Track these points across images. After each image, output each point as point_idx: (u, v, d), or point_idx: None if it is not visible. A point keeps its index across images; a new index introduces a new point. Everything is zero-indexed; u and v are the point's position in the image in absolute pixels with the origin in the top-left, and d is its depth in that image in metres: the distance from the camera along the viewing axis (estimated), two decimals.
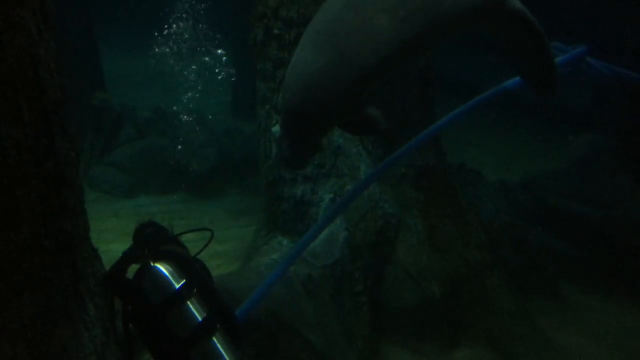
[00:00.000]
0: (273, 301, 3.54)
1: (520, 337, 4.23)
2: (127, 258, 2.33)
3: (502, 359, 4.12)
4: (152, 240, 2.36)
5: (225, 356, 2.15)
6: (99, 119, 8.21)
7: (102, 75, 9.09)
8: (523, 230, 5.60)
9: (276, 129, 3.46)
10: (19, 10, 1.84)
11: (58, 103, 2.04)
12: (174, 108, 9.00)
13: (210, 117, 9.62)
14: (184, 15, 8.26)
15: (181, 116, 8.83)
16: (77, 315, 2.06)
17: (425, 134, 3.11)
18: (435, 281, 4.30)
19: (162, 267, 2.22)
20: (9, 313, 1.81)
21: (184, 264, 2.27)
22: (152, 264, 2.22)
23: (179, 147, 7.75)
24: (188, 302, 2.17)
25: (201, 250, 2.48)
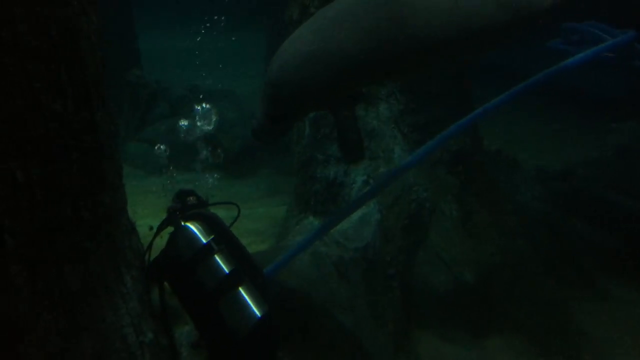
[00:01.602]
0: (304, 281, 3.52)
1: (555, 328, 4.16)
2: (164, 223, 2.45)
3: (536, 350, 4.03)
4: (186, 206, 2.49)
5: (252, 306, 2.21)
6: (134, 95, 8.30)
7: (138, 52, 9.12)
8: (560, 219, 5.47)
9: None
10: None
11: (98, 77, 2.05)
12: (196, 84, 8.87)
13: (240, 95, 9.58)
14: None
15: (211, 95, 8.82)
16: (115, 287, 2.10)
17: (474, 115, 3.05)
18: (468, 268, 4.23)
19: (192, 226, 2.34)
20: (50, 283, 1.85)
21: (213, 222, 2.38)
22: (183, 223, 2.35)
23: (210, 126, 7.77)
24: (216, 256, 2.26)
25: (230, 225, 2.54)
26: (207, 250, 2.28)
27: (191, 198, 2.57)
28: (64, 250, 1.88)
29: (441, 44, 2.52)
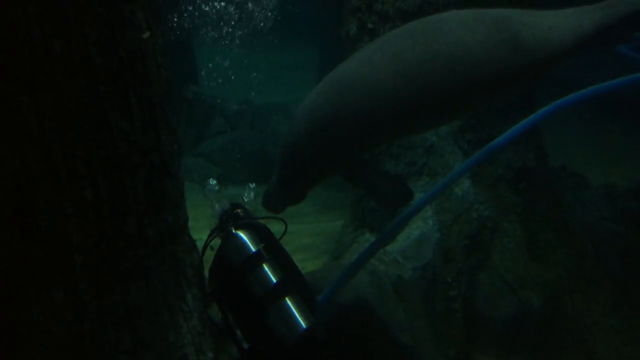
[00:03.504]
0: (363, 301, 3.45)
1: (629, 358, 3.97)
2: (214, 231, 2.49)
3: None
4: (236, 216, 2.54)
5: (298, 318, 2.20)
6: (191, 111, 8.56)
7: (195, 68, 9.41)
8: (632, 241, 5.14)
9: None
10: (131, 6, 1.91)
11: (164, 96, 2.12)
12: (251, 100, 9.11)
13: (294, 109, 9.77)
14: (270, 14, 8.44)
15: (263, 109, 8.95)
16: (177, 305, 2.10)
17: (522, 125, 2.91)
18: (534, 291, 4.08)
19: (242, 234, 2.35)
20: (115, 300, 1.88)
21: (262, 232, 2.40)
22: (233, 231, 2.36)
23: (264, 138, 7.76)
24: (264, 265, 2.26)
25: (279, 239, 2.54)
26: (256, 258, 2.30)
27: (239, 210, 2.61)
28: (129, 267, 1.91)
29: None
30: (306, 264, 4.52)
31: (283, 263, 2.35)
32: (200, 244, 2.52)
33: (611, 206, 5.53)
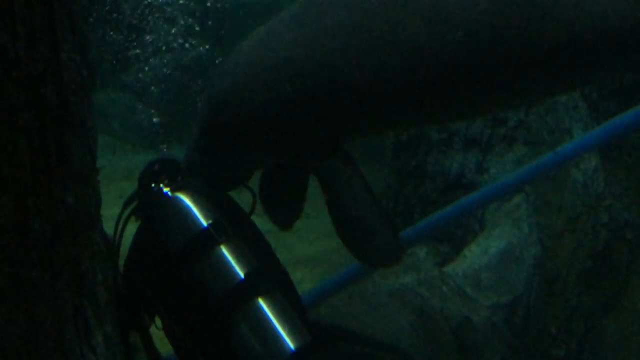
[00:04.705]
0: (403, 357, 3.32)
1: None
2: (132, 198, 2.42)
3: None
4: (171, 174, 2.46)
5: (277, 326, 2.12)
6: (113, 4, 7.93)
7: None
8: None
9: None
10: None
11: None
12: None
13: None
14: None
15: None
16: (75, 355, 1.95)
17: None
18: None
19: (184, 197, 2.30)
20: None
21: (217, 197, 2.37)
22: (170, 194, 2.31)
23: None
24: (223, 248, 2.20)
25: (250, 215, 2.49)
26: (210, 237, 2.23)
27: (174, 167, 2.56)
28: None
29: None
30: (314, 283, 4.16)
31: (253, 246, 2.31)
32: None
33: None
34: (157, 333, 2.40)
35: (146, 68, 6.75)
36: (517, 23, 2.20)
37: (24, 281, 1.74)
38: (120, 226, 2.35)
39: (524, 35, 2.22)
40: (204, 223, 2.21)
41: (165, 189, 2.34)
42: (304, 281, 4.38)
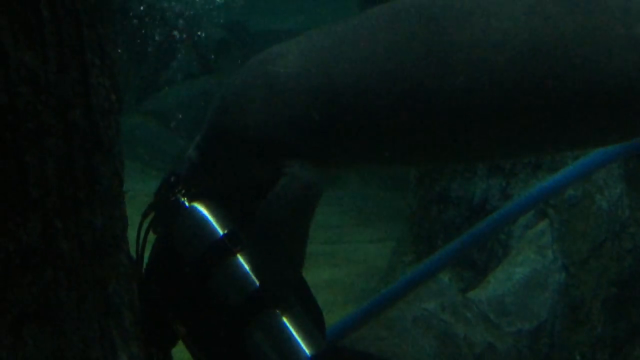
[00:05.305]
0: None
1: None
2: (150, 208, 2.44)
3: None
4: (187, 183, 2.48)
5: (293, 332, 2.15)
6: (139, 37, 7.32)
7: None
8: None
9: None
10: None
11: (97, 9, 1.94)
12: None
13: None
14: None
15: None
16: None
17: None
18: None
19: (200, 208, 2.32)
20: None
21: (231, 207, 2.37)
22: (187, 203, 2.33)
23: None
24: (240, 257, 2.23)
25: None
26: (226, 246, 2.25)
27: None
28: (24, 305, 1.72)
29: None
30: (330, 312, 3.99)
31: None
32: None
33: None
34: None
35: (171, 94, 6.79)
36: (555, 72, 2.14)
37: (51, 302, 1.75)
38: (141, 238, 2.38)
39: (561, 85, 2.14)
40: (220, 232, 2.25)
41: (182, 199, 2.36)
42: (334, 303, 4.59)
